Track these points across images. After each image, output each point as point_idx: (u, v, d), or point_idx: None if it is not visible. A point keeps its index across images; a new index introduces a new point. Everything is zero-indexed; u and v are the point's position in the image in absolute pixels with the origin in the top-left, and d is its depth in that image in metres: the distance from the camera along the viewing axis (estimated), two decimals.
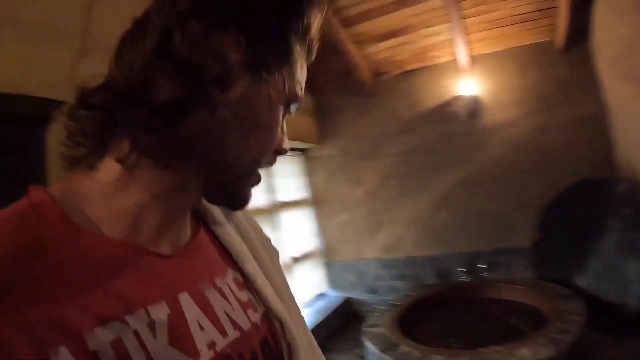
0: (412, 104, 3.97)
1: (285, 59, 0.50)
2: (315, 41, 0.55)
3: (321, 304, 4.10)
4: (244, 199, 0.55)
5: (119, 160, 0.45)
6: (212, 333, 0.49)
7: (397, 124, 4.04)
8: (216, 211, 0.63)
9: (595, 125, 3.33)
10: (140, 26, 0.46)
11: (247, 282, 0.59)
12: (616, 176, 3.17)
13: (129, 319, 0.41)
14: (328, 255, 4.43)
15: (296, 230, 4.04)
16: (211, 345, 0.47)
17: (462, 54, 3.62)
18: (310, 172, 4.50)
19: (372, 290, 4.21)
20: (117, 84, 0.45)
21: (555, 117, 3.47)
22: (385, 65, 4.00)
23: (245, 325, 0.54)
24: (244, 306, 0.56)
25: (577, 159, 3.41)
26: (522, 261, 3.56)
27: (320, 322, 3.66)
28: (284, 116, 0.54)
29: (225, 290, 0.55)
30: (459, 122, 3.75)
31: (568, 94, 3.44)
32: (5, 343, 0.33)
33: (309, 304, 4.03)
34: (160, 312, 0.44)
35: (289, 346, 0.58)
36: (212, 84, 0.45)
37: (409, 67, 3.98)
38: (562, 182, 3.36)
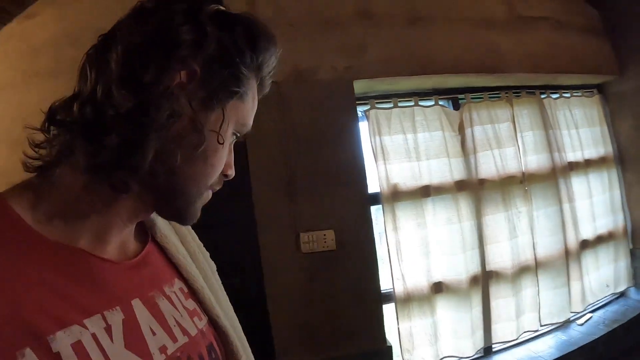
0: None
1: (236, 91, 0.55)
2: (268, 77, 0.62)
3: (615, 308, 3.03)
4: (193, 216, 0.59)
5: (80, 170, 0.49)
6: (163, 338, 0.54)
7: None
8: (162, 224, 0.69)
9: None
10: (104, 48, 0.51)
11: (191, 292, 0.66)
12: None
13: (87, 322, 0.45)
14: (637, 241, 3.21)
15: (590, 203, 3.00)
16: (163, 349, 0.53)
17: None
18: (612, 117, 3.18)
19: None
20: (82, 103, 0.49)
21: None
22: None
23: (193, 331, 0.60)
24: (191, 314, 0.62)
25: None
26: None
27: (608, 334, 2.64)
28: (231, 143, 0.60)
29: (174, 298, 0.61)
30: None
31: None
32: None
33: (598, 306, 3.02)
34: (116, 317, 0.49)
35: (231, 352, 0.67)
36: (162, 118, 0.49)
37: None
38: None
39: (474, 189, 2.41)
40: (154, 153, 0.49)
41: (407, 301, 2.18)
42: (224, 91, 0.53)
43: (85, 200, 0.50)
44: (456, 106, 2.57)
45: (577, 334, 2.68)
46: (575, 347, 2.50)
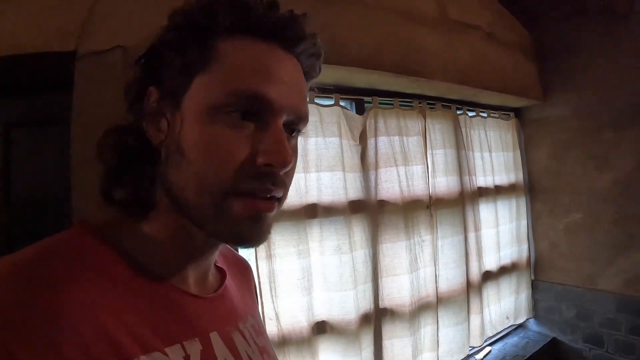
0: None
1: (195, 68, 0.53)
2: (256, 18, 0.55)
3: (515, 340, 3.01)
4: (240, 234, 0.56)
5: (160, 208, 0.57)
6: None
7: None
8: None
9: None
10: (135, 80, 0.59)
11: (261, 329, 0.73)
12: None
13: (168, 351, 0.51)
14: (539, 272, 3.21)
15: (496, 232, 2.94)
16: None
17: None
18: (527, 143, 3.21)
19: (595, 340, 2.84)
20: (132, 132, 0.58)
21: None
22: None
23: None
24: (261, 350, 0.68)
25: None
26: None
27: None
28: (254, 120, 0.54)
29: (247, 334, 0.66)
30: None
31: None
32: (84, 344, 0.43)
33: (497, 338, 2.99)
34: (195, 348, 0.54)
35: None
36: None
37: None
38: None
39: (372, 212, 2.11)
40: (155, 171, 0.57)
41: (281, 345, 1.86)
42: (176, 83, 0.54)
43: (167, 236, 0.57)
44: (360, 110, 2.26)
45: None
46: None
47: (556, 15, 2.89)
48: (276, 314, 1.83)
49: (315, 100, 2.01)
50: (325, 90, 2.10)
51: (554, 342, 3.08)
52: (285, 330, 1.86)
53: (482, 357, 2.73)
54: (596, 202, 2.89)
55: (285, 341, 1.85)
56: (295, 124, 0.58)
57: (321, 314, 1.97)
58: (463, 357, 2.58)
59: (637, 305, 2.73)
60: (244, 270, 0.82)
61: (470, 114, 2.83)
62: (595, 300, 2.91)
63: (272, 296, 1.82)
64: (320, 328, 1.98)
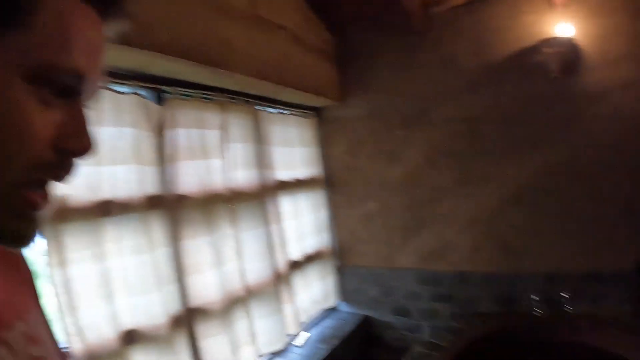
0: (478, 50, 2.95)
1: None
2: None
3: (329, 323, 3.29)
4: (16, 234, 0.45)
5: None
6: None
7: (456, 78, 3.05)
8: None
9: None
10: None
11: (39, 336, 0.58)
12: None
13: None
14: (343, 258, 3.57)
15: (298, 223, 3.18)
16: None
17: None
18: (326, 140, 3.56)
19: (402, 312, 3.34)
20: None
21: None
22: None
23: None
24: None
25: None
26: (621, 291, 2.72)
27: (329, 349, 2.85)
28: (60, 97, 0.44)
29: (15, 346, 0.53)
30: (545, 80, 2.75)
31: None
32: None
33: (313, 323, 3.21)
34: None
35: None
36: None
37: None
38: None
39: (171, 207, 2.06)
40: None
41: None
42: None
43: None
44: (159, 100, 2.14)
45: (298, 357, 2.73)
46: None
47: (358, 25, 3.29)
48: (79, 329, 1.65)
49: (111, 87, 1.85)
50: (123, 77, 1.93)
51: (366, 319, 3.44)
52: (92, 346, 1.68)
53: (301, 343, 2.90)
54: (388, 191, 3.34)
55: (93, 358, 1.69)
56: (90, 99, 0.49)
57: (128, 322, 1.84)
58: (283, 346, 2.70)
59: (432, 276, 3.25)
60: (11, 263, 0.64)
61: (272, 110, 3.01)
62: (396, 277, 3.35)
63: (71, 308, 1.64)
64: (130, 338, 1.84)
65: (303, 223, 3.22)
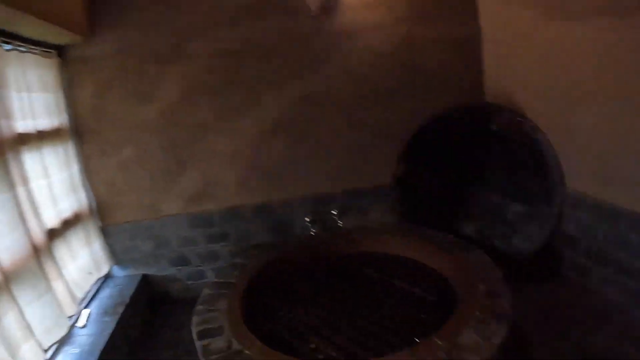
0: None
1: None
2: None
3: (108, 292, 2.88)
4: None
5: None
6: None
7: (213, 11, 2.94)
8: None
9: (473, 48, 3.15)
10: None
11: None
12: (495, 105, 3.02)
13: None
14: (105, 217, 3.11)
15: (48, 183, 2.56)
16: None
17: None
18: (71, 83, 2.93)
19: (181, 261, 3.20)
20: None
21: (429, 32, 3.08)
22: None
23: None
24: None
25: (450, 83, 3.16)
26: (382, 204, 3.26)
27: (116, 320, 2.51)
28: None
29: None
30: (305, 17, 2.94)
31: (448, 9, 3.09)
32: None
33: (90, 297, 2.78)
34: None
35: None
36: None
37: None
38: (433, 108, 3.10)
39: None
40: None
41: None
42: None
43: None
44: None
45: (86, 338, 2.32)
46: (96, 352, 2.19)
47: None
48: None
49: None
50: None
51: (145, 278, 3.16)
52: None
53: (83, 323, 2.47)
54: (144, 134, 3.02)
55: None
56: None
57: None
58: (66, 331, 2.25)
59: (203, 218, 3.15)
60: None
61: (6, 47, 2.27)
62: (167, 226, 3.14)
63: None
64: None
65: (53, 183, 2.64)
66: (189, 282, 3.25)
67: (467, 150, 3.15)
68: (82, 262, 2.75)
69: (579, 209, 2.71)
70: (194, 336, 2.06)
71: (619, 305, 2.50)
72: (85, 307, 2.66)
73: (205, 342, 2.00)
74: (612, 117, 2.34)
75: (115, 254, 3.13)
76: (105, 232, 3.08)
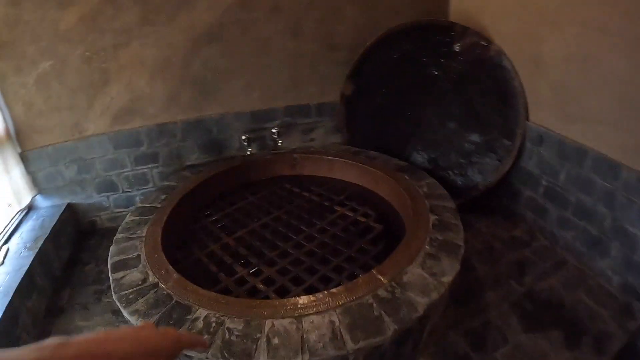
0: None
1: None
2: None
3: (31, 225, 2.66)
4: None
5: None
6: None
7: None
8: None
9: None
10: None
11: None
12: (459, 25, 2.68)
13: None
14: (24, 141, 2.78)
15: None
16: None
17: None
18: None
19: (108, 187, 2.98)
20: None
21: None
22: None
23: None
24: None
25: None
26: (326, 123, 2.99)
27: (35, 254, 2.33)
28: None
29: None
30: None
31: None
32: None
33: (10, 232, 2.55)
34: None
35: None
36: None
37: None
38: (384, 22, 2.77)
39: None
40: None
41: None
42: None
43: None
44: None
45: (2, 277, 2.13)
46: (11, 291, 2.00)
47: None
48: None
49: None
50: None
51: (70, 207, 2.94)
52: None
53: (1, 259, 2.30)
54: (63, 44, 2.64)
55: None
56: None
57: None
58: None
59: (129, 137, 2.88)
60: None
61: None
62: (91, 148, 2.87)
63: None
64: None
65: None
66: (118, 210, 3.05)
67: (424, 73, 2.83)
68: None
69: (541, 145, 2.49)
70: (109, 268, 1.90)
71: (575, 251, 2.37)
72: (5, 242, 2.47)
73: (118, 274, 1.84)
74: (585, 50, 2.08)
75: (38, 183, 2.87)
76: (25, 158, 2.80)
